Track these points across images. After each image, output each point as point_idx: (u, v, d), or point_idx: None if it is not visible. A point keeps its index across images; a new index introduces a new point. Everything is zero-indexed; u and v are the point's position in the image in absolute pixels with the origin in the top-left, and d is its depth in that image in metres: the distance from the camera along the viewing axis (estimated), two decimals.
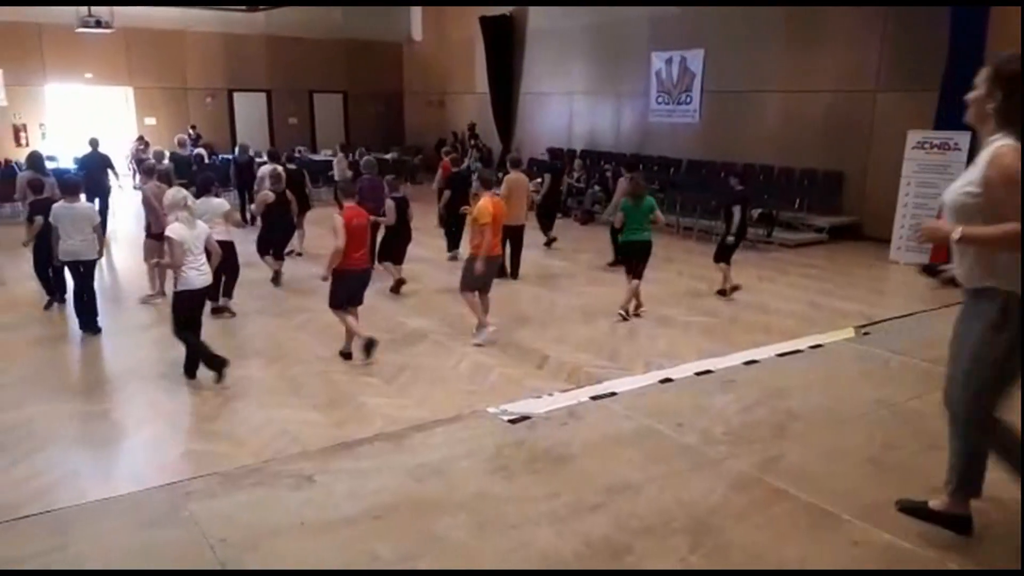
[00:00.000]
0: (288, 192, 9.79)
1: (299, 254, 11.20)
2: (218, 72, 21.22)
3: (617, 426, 5.55)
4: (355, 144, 15.73)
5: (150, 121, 20.34)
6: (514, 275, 10.08)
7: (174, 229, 6.08)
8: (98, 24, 17.81)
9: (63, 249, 7.44)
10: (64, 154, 16.74)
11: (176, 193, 6.25)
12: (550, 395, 6.14)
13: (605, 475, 4.77)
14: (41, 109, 19.08)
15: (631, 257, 8.36)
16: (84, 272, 7.62)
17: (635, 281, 8.26)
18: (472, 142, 20.22)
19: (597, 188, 15.26)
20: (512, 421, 5.60)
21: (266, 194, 9.51)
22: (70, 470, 4.96)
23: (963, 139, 10.91)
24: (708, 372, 6.68)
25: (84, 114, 19.27)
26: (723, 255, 9.19)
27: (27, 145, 18.30)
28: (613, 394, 6.13)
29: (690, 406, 5.90)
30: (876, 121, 12.90)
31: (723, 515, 4.31)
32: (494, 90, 20.09)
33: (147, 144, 18.44)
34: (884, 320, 8.37)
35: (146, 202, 8.92)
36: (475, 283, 7.42)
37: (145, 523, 4.23)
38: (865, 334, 7.85)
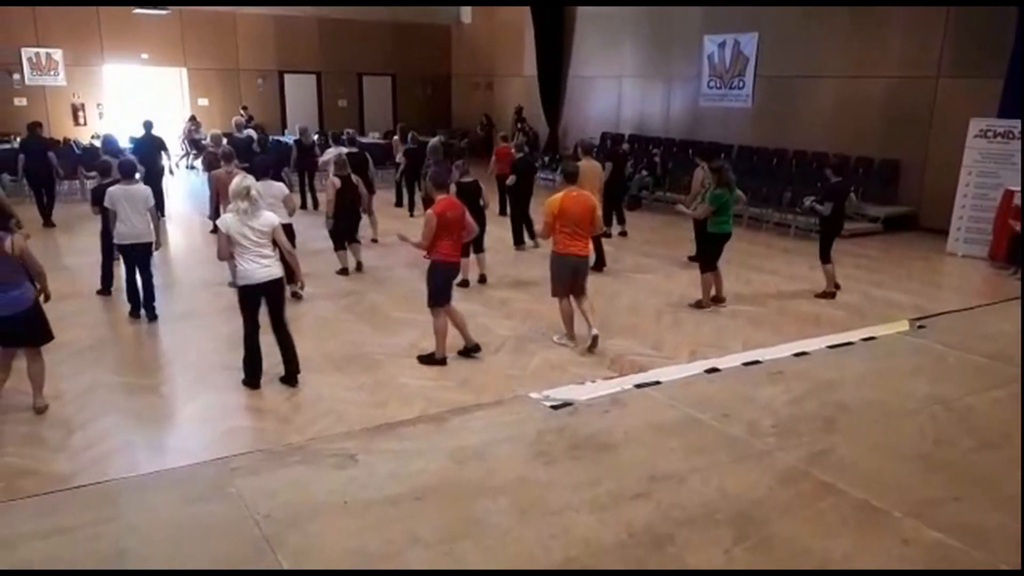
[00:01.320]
0: (354, 177, 9.53)
1: (374, 240, 10.94)
2: (269, 54, 21.45)
3: (661, 415, 5.49)
4: (404, 128, 15.53)
5: (203, 102, 20.67)
6: (600, 266, 9.50)
7: (223, 220, 5.93)
8: (154, 5, 18.12)
9: (119, 232, 7.55)
10: (121, 134, 17.07)
11: (240, 182, 5.90)
12: (593, 382, 6.11)
13: (648, 464, 4.71)
14: (99, 89, 19.50)
15: (719, 248, 8.23)
16: (139, 255, 7.69)
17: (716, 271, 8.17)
18: (519, 125, 20.14)
19: (645, 173, 15.08)
20: (554, 407, 5.57)
21: (334, 180, 9.33)
22: (122, 442, 5.11)
23: None
24: (756, 363, 6.55)
25: (140, 94, 19.67)
26: (824, 253, 8.84)
27: (85, 124, 18.77)
28: (657, 383, 6.06)
29: (736, 397, 5.80)
30: (937, 108, 12.49)
31: (768, 508, 4.23)
32: (542, 73, 19.93)
33: (199, 124, 18.76)
34: (940, 313, 8.11)
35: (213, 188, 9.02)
36: (560, 284, 7.07)
37: (192, 497, 4.31)
38: (920, 327, 7.61)
